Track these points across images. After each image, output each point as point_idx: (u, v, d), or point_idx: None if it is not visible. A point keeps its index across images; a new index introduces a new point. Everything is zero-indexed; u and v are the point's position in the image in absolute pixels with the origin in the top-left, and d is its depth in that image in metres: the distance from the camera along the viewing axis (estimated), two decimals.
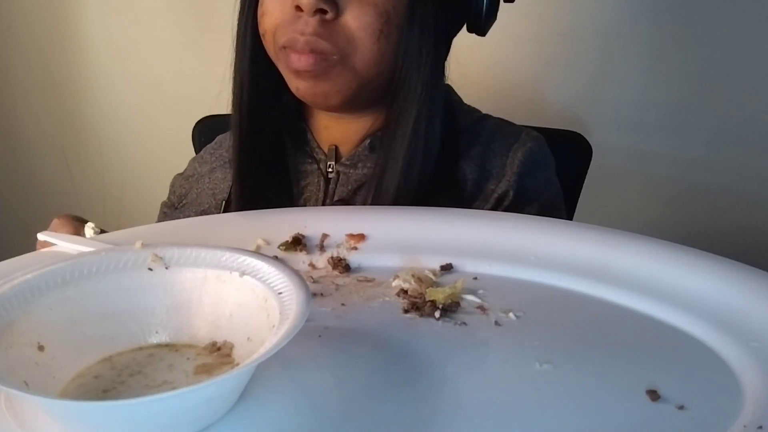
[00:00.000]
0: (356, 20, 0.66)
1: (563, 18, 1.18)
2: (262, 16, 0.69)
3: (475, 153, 0.75)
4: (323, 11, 0.64)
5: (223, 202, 0.78)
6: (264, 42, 0.70)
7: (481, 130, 0.77)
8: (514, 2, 0.75)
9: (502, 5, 0.74)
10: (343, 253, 0.55)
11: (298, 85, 0.69)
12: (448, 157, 0.73)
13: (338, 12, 0.65)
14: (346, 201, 0.74)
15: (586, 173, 0.91)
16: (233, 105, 0.75)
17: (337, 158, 0.76)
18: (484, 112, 0.81)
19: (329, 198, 0.75)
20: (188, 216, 0.79)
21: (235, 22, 0.73)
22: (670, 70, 1.16)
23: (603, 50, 1.19)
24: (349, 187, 0.74)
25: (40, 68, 1.57)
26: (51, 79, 1.58)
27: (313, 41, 0.65)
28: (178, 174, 0.86)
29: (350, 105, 0.72)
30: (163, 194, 0.87)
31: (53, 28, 1.54)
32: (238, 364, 0.40)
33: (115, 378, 0.39)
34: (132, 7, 1.48)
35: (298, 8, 0.65)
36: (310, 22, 0.65)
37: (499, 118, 0.80)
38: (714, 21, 1.11)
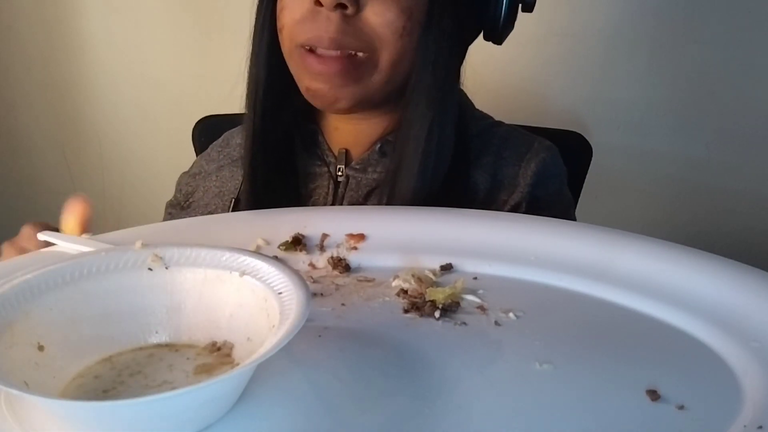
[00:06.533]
0: (379, 16, 0.65)
1: (563, 18, 1.18)
2: (281, 10, 0.68)
3: (486, 161, 0.74)
4: (343, 6, 0.63)
5: (232, 201, 0.78)
6: (280, 38, 0.69)
7: (492, 138, 0.76)
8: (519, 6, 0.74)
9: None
10: (343, 253, 0.55)
11: (310, 86, 0.68)
12: (459, 163, 0.72)
13: (359, 8, 0.64)
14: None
15: (586, 173, 0.91)
16: (247, 102, 0.74)
17: (348, 162, 0.75)
18: (484, 111, 0.81)
19: (338, 202, 0.74)
20: (195, 216, 0.78)
21: (251, 18, 0.72)
22: (670, 71, 1.16)
23: (603, 50, 1.19)
24: (360, 192, 0.74)
25: (40, 68, 1.57)
26: (51, 79, 1.57)
27: (338, 39, 0.64)
28: (184, 172, 0.86)
29: (361, 107, 0.71)
30: (164, 194, 0.87)
31: (53, 28, 1.53)
32: (238, 364, 0.40)
33: (115, 378, 0.39)
34: (132, 6, 1.47)
35: (318, 3, 0.64)
36: (331, 18, 0.64)
37: (510, 125, 0.80)
38: (714, 21, 1.11)
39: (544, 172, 0.74)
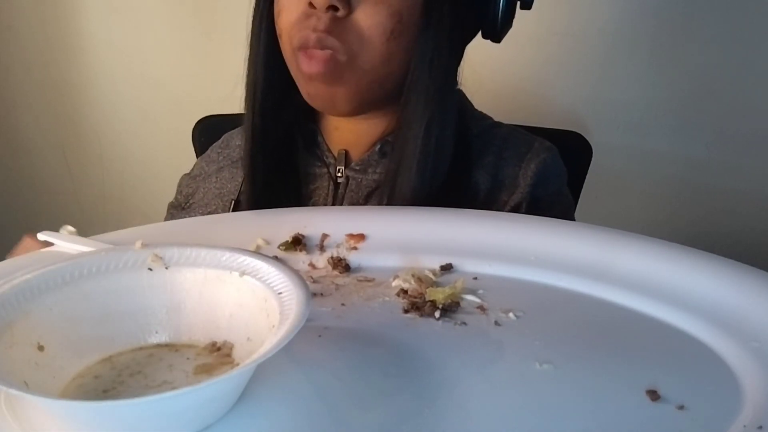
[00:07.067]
0: (368, 18, 0.65)
1: (563, 18, 1.18)
2: (278, 14, 0.69)
3: (487, 162, 0.74)
4: (335, 8, 0.64)
5: (232, 202, 0.78)
6: (281, 42, 0.70)
7: (493, 138, 0.76)
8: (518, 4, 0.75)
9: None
10: (343, 253, 0.55)
11: (309, 90, 0.69)
12: (460, 163, 0.72)
13: (350, 10, 0.65)
14: None
15: (586, 173, 0.91)
16: (246, 103, 0.74)
17: (347, 163, 0.75)
18: (483, 112, 0.81)
19: (338, 203, 0.74)
20: (195, 216, 0.78)
21: (250, 19, 0.73)
22: (670, 71, 1.16)
23: (603, 50, 1.19)
24: (360, 193, 0.74)
25: (40, 68, 1.57)
26: (51, 79, 1.57)
27: (323, 38, 0.65)
28: (185, 174, 0.86)
29: (361, 107, 0.71)
30: (164, 194, 0.87)
31: (53, 28, 1.53)
32: (238, 364, 0.40)
33: (115, 378, 0.39)
34: (132, 6, 1.48)
35: (311, 5, 0.65)
36: (322, 19, 0.65)
37: (510, 126, 0.80)
38: (714, 21, 1.11)
39: (544, 172, 0.74)
